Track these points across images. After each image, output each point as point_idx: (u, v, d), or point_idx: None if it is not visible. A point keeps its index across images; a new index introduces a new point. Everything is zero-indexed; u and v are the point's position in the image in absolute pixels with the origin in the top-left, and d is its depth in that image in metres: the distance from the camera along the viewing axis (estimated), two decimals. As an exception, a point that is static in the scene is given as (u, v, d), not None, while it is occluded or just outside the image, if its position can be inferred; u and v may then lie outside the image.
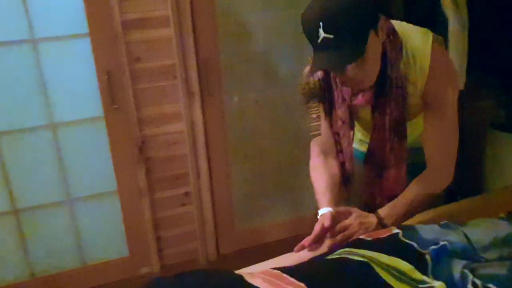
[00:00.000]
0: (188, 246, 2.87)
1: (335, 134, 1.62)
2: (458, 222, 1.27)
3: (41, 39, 2.34)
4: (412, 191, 1.48)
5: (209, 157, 2.75)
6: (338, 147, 1.64)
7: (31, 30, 2.31)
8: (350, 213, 1.43)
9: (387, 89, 1.41)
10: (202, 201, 2.79)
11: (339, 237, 1.37)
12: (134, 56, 2.45)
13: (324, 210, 1.48)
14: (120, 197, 2.66)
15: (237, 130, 2.82)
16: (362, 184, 1.65)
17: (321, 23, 1.21)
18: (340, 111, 1.56)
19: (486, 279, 1.03)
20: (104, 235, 2.72)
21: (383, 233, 1.25)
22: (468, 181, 1.94)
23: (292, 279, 1.07)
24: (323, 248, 1.36)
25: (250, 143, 2.88)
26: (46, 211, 2.58)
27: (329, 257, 1.19)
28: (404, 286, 1.04)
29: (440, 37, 1.44)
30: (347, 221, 1.40)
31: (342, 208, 1.47)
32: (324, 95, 1.57)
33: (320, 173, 1.64)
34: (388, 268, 1.08)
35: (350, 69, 1.29)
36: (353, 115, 1.57)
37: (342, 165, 1.66)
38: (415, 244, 1.16)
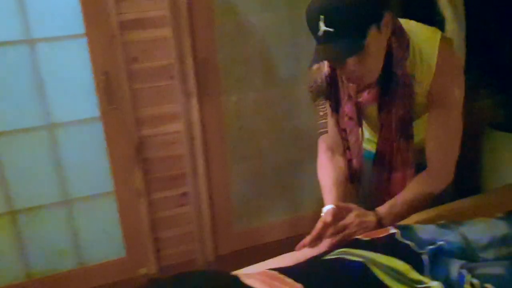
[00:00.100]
0: (186, 247, 2.86)
1: (342, 131, 1.62)
2: (455, 222, 1.27)
3: (38, 39, 2.33)
4: (411, 190, 1.48)
5: (207, 158, 2.74)
6: (345, 144, 1.64)
7: (28, 30, 2.30)
8: (350, 210, 1.42)
9: (393, 87, 1.41)
10: (200, 202, 2.79)
11: (338, 236, 1.36)
12: (131, 57, 2.44)
13: (328, 207, 1.47)
14: (118, 197, 2.65)
15: (235, 130, 2.82)
16: (369, 184, 1.64)
17: (322, 17, 1.23)
18: (347, 108, 1.56)
19: (484, 278, 1.03)
20: (101, 236, 2.71)
21: (380, 233, 1.25)
22: (466, 180, 1.94)
23: (289, 280, 1.06)
24: (323, 247, 1.36)
25: (248, 143, 2.88)
26: (43, 212, 2.57)
27: (326, 257, 1.19)
28: (401, 286, 1.04)
29: (449, 37, 1.43)
30: (346, 220, 1.39)
31: (342, 204, 1.47)
32: (330, 91, 1.57)
33: (327, 170, 1.64)
34: (385, 268, 1.08)
35: (351, 62, 1.30)
36: (360, 112, 1.57)
37: (349, 162, 1.66)
38: (412, 244, 1.16)
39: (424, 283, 1.05)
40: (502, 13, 2.42)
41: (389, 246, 1.18)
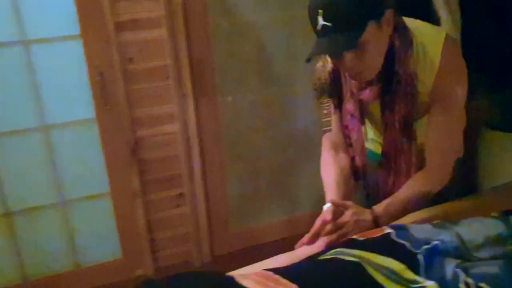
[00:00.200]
0: (182, 247, 2.86)
1: (345, 128, 1.63)
2: (450, 222, 1.27)
3: (32, 40, 2.33)
4: (408, 190, 1.47)
5: (203, 158, 2.74)
6: (348, 141, 1.64)
7: (23, 31, 2.30)
8: (346, 207, 1.42)
9: (395, 86, 1.42)
10: (196, 203, 2.79)
11: (335, 234, 1.36)
12: (127, 57, 2.44)
13: (328, 205, 1.47)
14: (113, 199, 2.65)
15: (231, 131, 2.82)
16: (373, 184, 1.64)
17: (320, 11, 1.26)
18: (349, 105, 1.56)
19: (478, 278, 1.03)
20: (97, 237, 2.71)
21: (376, 233, 1.24)
22: (462, 180, 1.94)
23: (284, 280, 1.06)
24: (319, 245, 1.36)
25: (244, 144, 2.88)
26: (39, 213, 2.56)
27: (321, 257, 1.18)
28: (396, 286, 1.03)
29: (454, 37, 1.43)
30: (343, 218, 1.39)
31: (338, 202, 1.46)
32: (333, 88, 1.57)
33: (330, 168, 1.64)
34: (380, 268, 1.07)
35: (348, 57, 1.31)
36: (362, 109, 1.57)
37: (352, 159, 1.65)
38: (407, 244, 1.15)
39: (419, 283, 1.04)
40: (497, 12, 2.42)
41: (385, 246, 1.17)
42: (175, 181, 2.73)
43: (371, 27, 1.27)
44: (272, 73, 2.81)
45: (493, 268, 1.07)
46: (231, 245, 2.99)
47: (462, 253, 1.16)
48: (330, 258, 1.15)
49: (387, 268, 1.08)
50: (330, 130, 1.74)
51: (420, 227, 1.24)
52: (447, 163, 1.48)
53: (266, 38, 2.73)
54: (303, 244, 1.38)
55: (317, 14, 1.26)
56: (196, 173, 2.73)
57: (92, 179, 2.61)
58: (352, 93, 1.53)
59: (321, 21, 1.26)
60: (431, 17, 2.26)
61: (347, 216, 1.39)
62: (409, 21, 1.44)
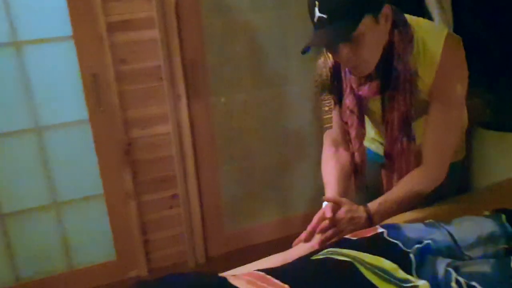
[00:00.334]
0: (176, 249, 2.85)
1: (345, 124, 1.62)
2: (442, 221, 1.27)
3: (24, 41, 2.32)
4: (403, 188, 1.46)
5: (197, 159, 2.74)
6: (348, 138, 1.64)
7: (15, 32, 2.30)
8: (340, 204, 1.42)
9: (394, 82, 1.41)
10: (190, 204, 2.78)
11: (329, 232, 1.36)
12: (119, 58, 2.44)
13: (326, 203, 1.47)
14: (107, 200, 2.64)
15: (225, 131, 2.81)
16: (374, 183, 1.64)
17: (317, 3, 1.27)
18: (348, 100, 1.56)
19: (470, 277, 1.03)
20: (91, 238, 2.70)
21: (368, 232, 1.24)
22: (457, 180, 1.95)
23: (276, 281, 1.06)
24: (314, 243, 1.36)
25: (238, 144, 2.88)
26: (32, 215, 2.56)
27: (314, 257, 1.18)
28: (388, 286, 1.03)
29: (457, 35, 1.43)
30: (337, 216, 1.39)
31: (332, 198, 1.46)
32: (333, 84, 1.57)
33: (330, 165, 1.64)
34: (372, 268, 1.07)
35: (344, 50, 1.31)
36: (362, 106, 1.57)
37: (353, 155, 1.65)
38: (399, 243, 1.15)
39: (411, 282, 1.04)
40: (489, 12, 2.43)
41: (377, 246, 1.17)
42: (168, 182, 2.72)
43: (367, 20, 1.27)
44: (265, 74, 2.81)
45: (484, 267, 1.07)
46: (225, 246, 2.98)
47: (454, 252, 1.16)
48: (323, 258, 1.15)
49: (379, 268, 1.08)
50: (331, 127, 1.74)
51: (412, 226, 1.24)
52: (443, 162, 1.48)
53: (259, 39, 2.73)
54: (301, 241, 1.39)
55: (314, 6, 1.27)
56: (189, 174, 2.73)
57: (85, 180, 2.61)
58: (351, 89, 1.53)
59: (317, 13, 1.27)
60: (423, 16, 2.26)
61: (342, 213, 1.38)
62: (410, 18, 1.44)
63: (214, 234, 2.94)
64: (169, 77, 2.52)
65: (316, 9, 1.27)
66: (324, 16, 1.25)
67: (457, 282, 1.02)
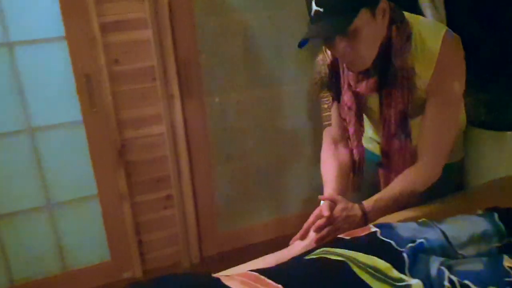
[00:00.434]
0: (170, 249, 2.85)
1: (344, 121, 1.63)
2: (435, 220, 1.27)
3: (17, 42, 2.31)
4: (398, 186, 1.46)
5: (191, 159, 2.73)
6: (346, 134, 1.64)
7: (7, 33, 2.28)
8: (336, 202, 1.41)
9: (392, 79, 1.42)
10: (184, 204, 2.78)
11: (324, 231, 1.36)
12: (113, 59, 2.43)
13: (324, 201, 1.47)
14: (101, 201, 2.63)
15: (219, 131, 2.81)
16: (371, 183, 1.64)
17: None
18: (346, 97, 1.56)
19: (463, 275, 1.03)
20: (85, 240, 2.69)
21: (362, 232, 1.24)
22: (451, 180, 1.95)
23: (270, 281, 1.06)
24: (310, 241, 1.36)
25: (232, 144, 2.88)
26: (26, 216, 2.54)
27: (307, 257, 1.18)
28: (381, 285, 1.03)
29: (455, 34, 1.43)
30: (333, 214, 1.38)
31: (327, 196, 1.46)
32: (331, 80, 1.57)
33: (329, 163, 1.64)
34: (365, 267, 1.07)
35: (341, 44, 1.32)
36: (360, 103, 1.57)
37: (351, 152, 1.66)
38: (393, 242, 1.15)
39: (404, 281, 1.04)
40: (483, 11, 2.43)
41: (370, 245, 1.17)
42: (163, 182, 2.72)
43: (364, 14, 1.28)
44: (259, 73, 2.81)
45: (477, 265, 1.07)
46: (220, 246, 2.98)
47: (447, 251, 1.16)
48: (316, 258, 1.15)
49: (372, 267, 1.08)
50: (330, 125, 1.74)
51: (405, 226, 1.24)
52: (439, 160, 1.47)
53: (252, 38, 2.73)
54: (297, 239, 1.39)
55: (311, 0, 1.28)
56: (183, 174, 2.72)
57: (79, 181, 2.60)
58: (349, 85, 1.53)
59: (314, 7, 1.27)
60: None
61: (337, 211, 1.38)
62: (409, 15, 1.44)
63: (209, 234, 2.93)
64: (163, 77, 2.52)
65: (313, 3, 1.27)
66: (321, 9, 1.26)
67: (450, 281, 1.02)
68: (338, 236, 1.29)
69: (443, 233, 1.20)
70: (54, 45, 2.37)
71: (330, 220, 1.36)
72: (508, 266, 1.06)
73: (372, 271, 1.07)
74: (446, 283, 1.02)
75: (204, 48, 2.64)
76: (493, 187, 1.78)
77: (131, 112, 2.54)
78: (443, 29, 1.41)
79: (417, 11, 2.27)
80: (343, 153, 1.66)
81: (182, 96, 2.59)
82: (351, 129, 1.61)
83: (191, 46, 2.58)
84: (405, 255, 1.11)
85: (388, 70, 1.41)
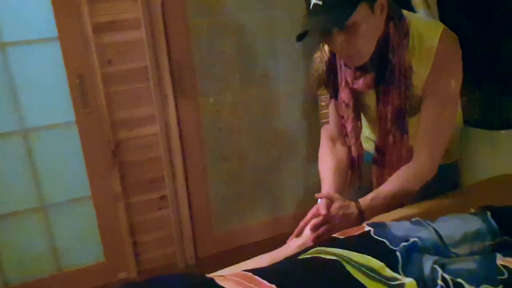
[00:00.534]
0: (165, 250, 2.84)
1: (342, 118, 1.63)
2: (429, 218, 1.28)
3: (9, 43, 2.30)
4: (394, 184, 1.47)
5: (185, 160, 2.73)
6: (344, 132, 1.65)
7: (-1, 34, 2.28)
8: (332, 200, 1.42)
9: (389, 75, 1.42)
10: (179, 205, 2.77)
11: (321, 229, 1.36)
12: (106, 59, 2.43)
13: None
14: (95, 202, 2.63)
15: (213, 132, 2.81)
16: (369, 184, 1.64)
17: None
18: (343, 94, 1.56)
19: (456, 274, 1.03)
20: (79, 241, 2.68)
21: (355, 231, 1.25)
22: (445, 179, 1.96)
23: (264, 281, 1.06)
24: (307, 239, 1.36)
25: (226, 144, 2.87)
26: (20, 218, 2.54)
27: (301, 256, 1.18)
28: (375, 284, 1.03)
29: (452, 32, 1.43)
30: (330, 212, 1.38)
31: (323, 194, 1.46)
32: (329, 77, 1.57)
33: (326, 160, 1.64)
34: (359, 266, 1.07)
35: (339, 39, 1.32)
36: (357, 99, 1.57)
37: (349, 150, 1.66)
38: (386, 241, 1.16)
39: (398, 280, 1.05)
40: (475, 11, 2.44)
41: (364, 244, 1.17)
42: (157, 183, 2.71)
43: (362, 9, 1.28)
44: (253, 74, 2.81)
45: (470, 264, 1.08)
46: (214, 247, 2.98)
47: (440, 249, 1.16)
48: (310, 257, 1.15)
49: (366, 266, 1.08)
50: (328, 122, 1.74)
51: (399, 225, 1.25)
52: (434, 158, 1.47)
53: (246, 39, 2.73)
54: (293, 237, 1.39)
55: None
56: (178, 175, 2.72)
57: (72, 182, 2.59)
58: (346, 82, 1.53)
59: (313, 0, 1.27)
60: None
61: (334, 209, 1.39)
62: (407, 13, 1.44)
63: (204, 235, 2.93)
64: (156, 78, 2.51)
65: None
66: (319, 2, 1.26)
67: (444, 279, 1.02)
68: (332, 235, 1.29)
69: (437, 232, 1.20)
70: (47, 46, 2.36)
71: (327, 219, 1.37)
72: (501, 264, 1.06)
73: (366, 270, 1.07)
74: (440, 281, 1.02)
75: (198, 48, 2.63)
76: (487, 185, 1.79)
77: (124, 112, 2.53)
78: (441, 27, 1.41)
79: (410, 8, 2.28)
80: (341, 150, 1.66)
81: (176, 96, 2.59)
82: (349, 126, 1.61)
83: (184, 46, 2.57)
84: (398, 254, 1.11)
85: (385, 67, 1.41)
